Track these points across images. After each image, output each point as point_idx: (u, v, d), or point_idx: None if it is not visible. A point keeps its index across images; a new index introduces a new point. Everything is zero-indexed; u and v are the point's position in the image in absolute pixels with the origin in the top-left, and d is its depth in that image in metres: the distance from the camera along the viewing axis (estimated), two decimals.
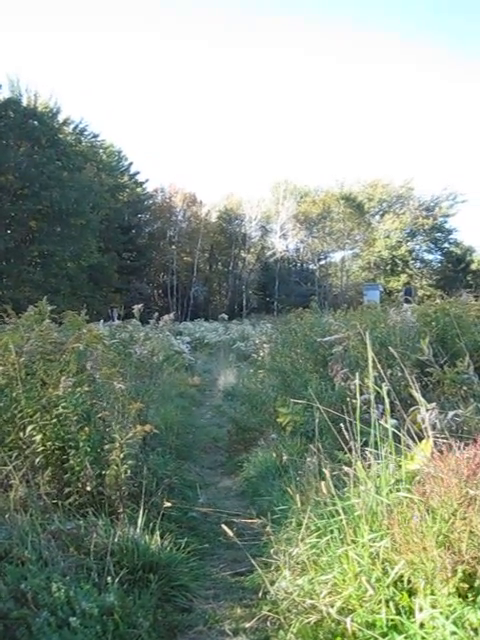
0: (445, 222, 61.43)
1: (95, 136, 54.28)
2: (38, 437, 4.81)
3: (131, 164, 58.56)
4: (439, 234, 62.03)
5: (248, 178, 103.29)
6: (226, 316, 32.11)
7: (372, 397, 3.85)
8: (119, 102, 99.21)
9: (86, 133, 53.06)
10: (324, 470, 3.87)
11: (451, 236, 62.35)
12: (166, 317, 13.05)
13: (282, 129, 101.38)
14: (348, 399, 4.40)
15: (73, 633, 3.04)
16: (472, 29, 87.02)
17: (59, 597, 3.23)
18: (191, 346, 23.53)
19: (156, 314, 13.82)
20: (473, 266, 60.45)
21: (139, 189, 59.32)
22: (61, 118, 46.48)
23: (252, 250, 63.07)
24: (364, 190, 62.50)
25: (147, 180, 60.16)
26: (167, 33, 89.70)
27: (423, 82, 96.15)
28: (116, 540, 4.06)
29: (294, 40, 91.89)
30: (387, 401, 3.72)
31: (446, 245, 62.71)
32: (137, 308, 10.14)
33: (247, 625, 3.60)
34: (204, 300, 59.73)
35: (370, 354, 3.85)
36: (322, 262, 65.59)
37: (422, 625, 2.68)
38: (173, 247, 57.80)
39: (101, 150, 55.83)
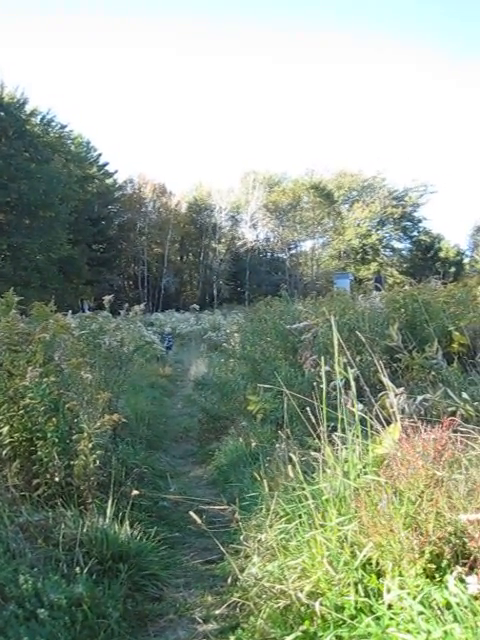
0: (414, 211, 61.98)
1: (63, 127, 53.58)
2: (5, 429, 4.76)
3: (100, 155, 58.00)
4: (408, 223, 62.60)
5: (217, 168, 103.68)
6: (197, 306, 32.14)
7: (338, 382, 3.85)
8: (87, 92, 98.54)
9: (54, 124, 52.32)
10: (292, 455, 3.87)
11: (420, 224, 63.00)
12: (136, 308, 12.95)
13: (251, 118, 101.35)
14: (317, 385, 4.41)
15: (41, 625, 3.01)
16: (445, 23, 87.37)
17: (27, 589, 3.20)
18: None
19: (126, 305, 13.74)
20: (441, 254, 61.04)
21: (108, 180, 58.80)
22: (28, 109, 45.81)
23: (223, 240, 62.99)
24: (334, 179, 62.73)
25: (116, 171, 59.65)
26: (136, 22, 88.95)
27: (397, 75, 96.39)
28: (85, 531, 4.03)
29: (263, 33, 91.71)
30: (353, 386, 3.73)
31: (415, 233, 63.32)
32: (107, 299, 10.08)
33: (217, 612, 3.60)
34: (175, 291, 59.55)
35: (336, 339, 3.84)
36: (292, 251, 65.85)
37: (390, 606, 2.69)
38: (143, 238, 57.52)
39: (69, 141, 55.13)
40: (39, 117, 49.53)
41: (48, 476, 4.63)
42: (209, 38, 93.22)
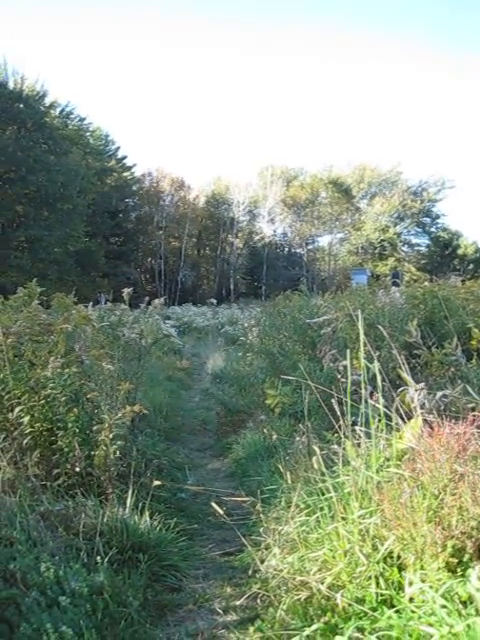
0: (433, 206, 61.61)
1: (82, 119, 53.67)
2: (26, 418, 4.78)
3: (119, 148, 57.98)
4: (426, 219, 62.25)
5: (236, 162, 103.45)
6: (214, 301, 32.12)
7: (363, 375, 3.84)
8: (107, 85, 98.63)
9: (73, 116, 52.43)
10: (314, 447, 3.87)
11: (439, 220, 62.60)
12: (156, 301, 12.94)
13: (270, 112, 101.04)
14: (337, 380, 4.40)
15: (63, 612, 3.03)
16: (460, 21, 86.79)
17: (48, 577, 3.22)
18: (179, 331, 23.43)
19: (146, 298, 13.72)
20: (460, 251, 60.57)
21: (126, 173, 58.72)
22: (48, 101, 45.70)
23: (240, 235, 62.88)
24: (352, 173, 62.46)
25: (135, 164, 59.51)
26: (155, 17, 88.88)
27: (414, 71, 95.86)
28: (105, 520, 4.05)
29: (282, 27, 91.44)
30: (379, 378, 3.71)
31: (433, 229, 62.91)
32: (127, 292, 10.08)
33: (237, 603, 3.62)
34: (192, 285, 59.53)
35: (362, 333, 3.84)
36: (310, 246, 65.58)
37: (412, 599, 2.69)
38: (161, 232, 57.47)
39: (88, 133, 55.17)
40: (58, 110, 49.55)
41: (68, 466, 4.66)
42: (229, 32, 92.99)
